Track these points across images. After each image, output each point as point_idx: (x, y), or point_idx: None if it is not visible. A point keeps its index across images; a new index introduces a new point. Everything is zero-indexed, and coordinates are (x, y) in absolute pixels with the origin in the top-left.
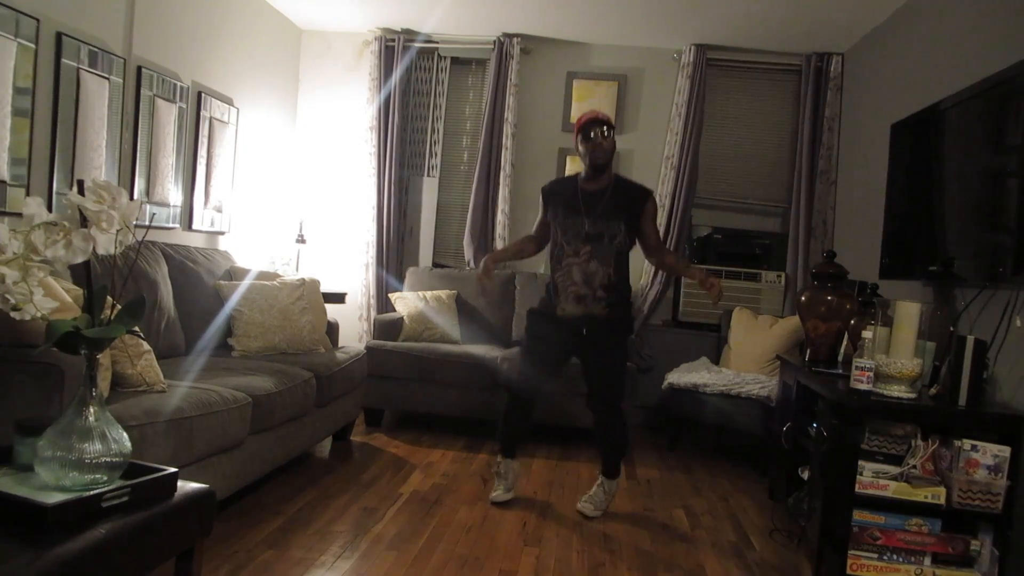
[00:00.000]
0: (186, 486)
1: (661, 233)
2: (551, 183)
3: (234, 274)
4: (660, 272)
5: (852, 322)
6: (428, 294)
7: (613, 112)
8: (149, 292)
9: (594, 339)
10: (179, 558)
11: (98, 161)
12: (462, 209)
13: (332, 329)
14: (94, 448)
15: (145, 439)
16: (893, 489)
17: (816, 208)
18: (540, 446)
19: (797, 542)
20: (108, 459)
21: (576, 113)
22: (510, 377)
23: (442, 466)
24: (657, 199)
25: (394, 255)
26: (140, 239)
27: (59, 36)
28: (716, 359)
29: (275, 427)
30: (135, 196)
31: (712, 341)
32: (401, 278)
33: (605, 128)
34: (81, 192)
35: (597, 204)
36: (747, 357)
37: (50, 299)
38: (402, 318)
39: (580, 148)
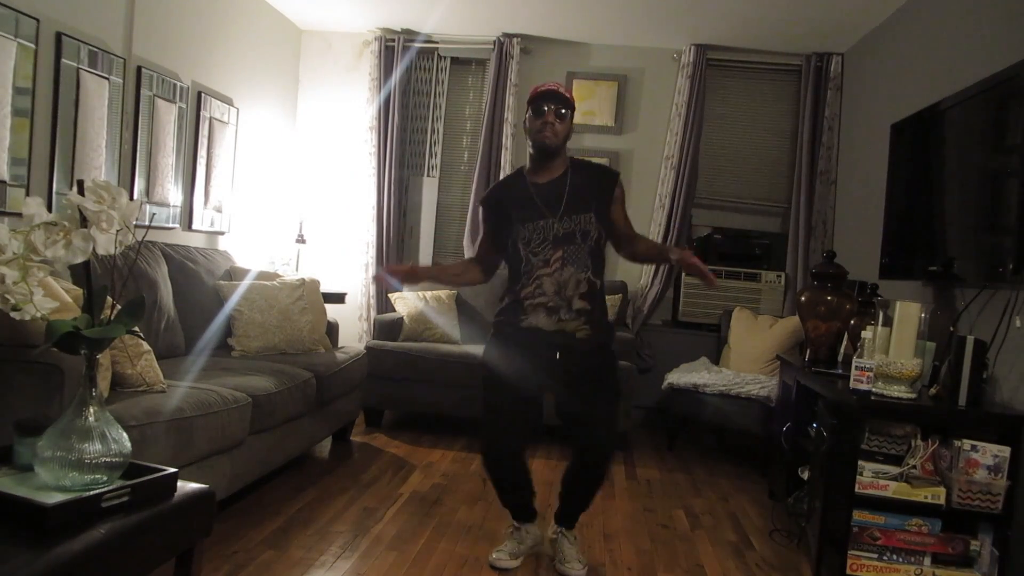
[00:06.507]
0: (186, 486)
1: (661, 233)
2: (492, 190)
3: (234, 274)
4: (660, 271)
5: (852, 322)
6: (428, 294)
7: (612, 112)
8: (149, 292)
9: (574, 368)
10: (179, 558)
11: (98, 161)
12: (462, 209)
13: (332, 329)
14: (94, 448)
15: (145, 439)
16: (893, 489)
17: (816, 208)
18: (540, 446)
19: (797, 542)
20: (108, 459)
21: (576, 113)
22: (482, 450)
23: (442, 466)
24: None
25: (394, 255)
26: (140, 239)
27: (59, 36)
28: (716, 359)
29: (275, 427)
30: (135, 196)
31: (712, 341)
32: None
33: (560, 107)
34: (81, 192)
35: (558, 198)
36: (747, 357)
37: (50, 299)
38: (402, 318)
39: (528, 125)
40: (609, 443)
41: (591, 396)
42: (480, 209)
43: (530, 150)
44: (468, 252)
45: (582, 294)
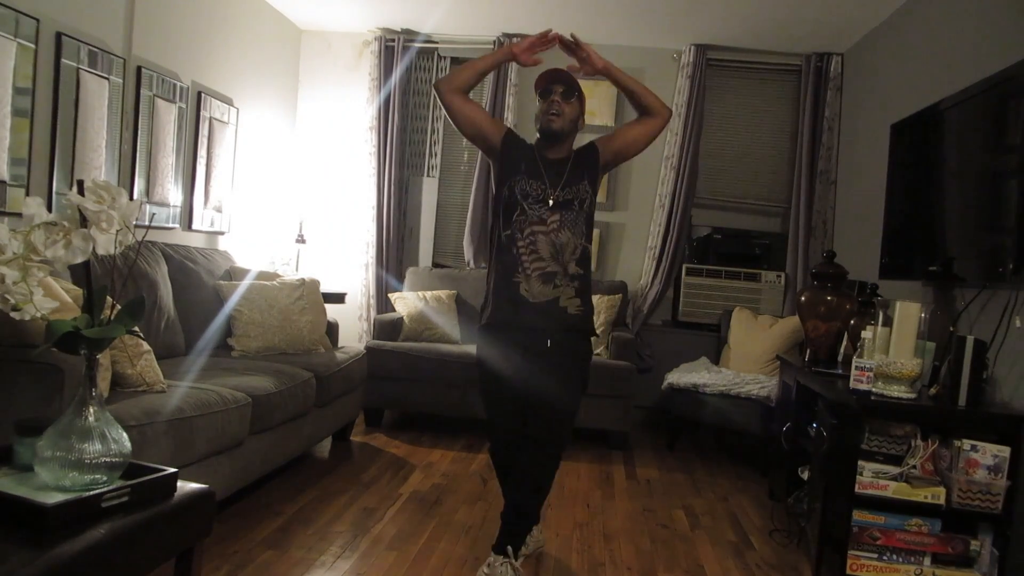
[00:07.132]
0: (186, 486)
1: (661, 233)
2: (516, 136)
3: (234, 274)
4: (660, 271)
5: (852, 322)
6: (428, 294)
7: (612, 112)
8: (149, 292)
9: (559, 352)
10: (179, 558)
11: (98, 161)
12: (462, 209)
13: (332, 329)
14: (94, 448)
15: (145, 439)
16: (893, 489)
17: (816, 208)
18: None
19: (797, 542)
20: (108, 459)
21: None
22: (492, 452)
23: (442, 466)
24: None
25: (394, 255)
26: (140, 239)
27: (59, 36)
28: (716, 359)
29: (275, 427)
30: (135, 196)
31: (712, 341)
32: (401, 278)
33: (567, 88)
34: (81, 192)
35: (561, 174)
36: (747, 357)
37: (50, 299)
38: (402, 318)
39: (536, 112)
40: (564, 429)
41: (563, 379)
42: (505, 125)
43: (537, 136)
44: (467, 252)
45: (577, 259)
